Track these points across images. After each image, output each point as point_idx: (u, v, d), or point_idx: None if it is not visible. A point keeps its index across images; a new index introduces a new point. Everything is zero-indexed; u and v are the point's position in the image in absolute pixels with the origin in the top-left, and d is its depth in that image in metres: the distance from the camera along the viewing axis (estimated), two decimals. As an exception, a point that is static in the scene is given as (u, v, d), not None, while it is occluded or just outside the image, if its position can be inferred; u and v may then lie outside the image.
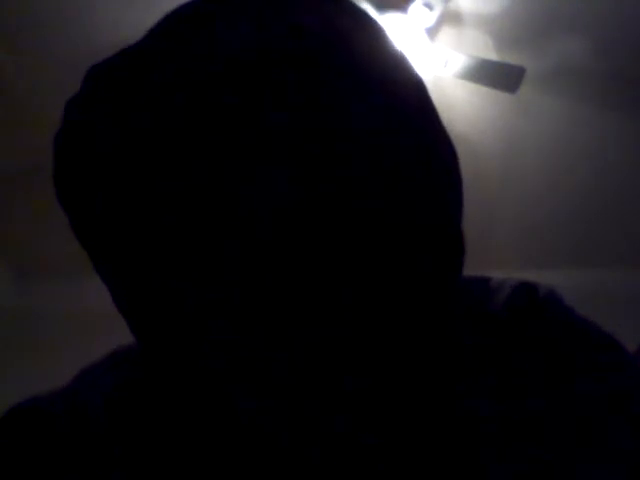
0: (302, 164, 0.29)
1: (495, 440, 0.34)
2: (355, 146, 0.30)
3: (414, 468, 0.33)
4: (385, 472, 0.33)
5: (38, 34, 1.73)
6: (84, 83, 0.34)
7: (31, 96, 1.85)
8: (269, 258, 0.29)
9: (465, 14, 1.75)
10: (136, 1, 1.63)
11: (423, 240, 0.32)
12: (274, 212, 0.29)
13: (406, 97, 0.33)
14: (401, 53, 0.35)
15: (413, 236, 0.32)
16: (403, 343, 0.32)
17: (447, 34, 1.76)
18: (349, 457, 0.32)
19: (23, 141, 1.99)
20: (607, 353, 0.39)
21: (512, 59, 1.76)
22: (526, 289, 0.40)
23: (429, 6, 1.63)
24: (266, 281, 0.29)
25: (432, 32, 1.72)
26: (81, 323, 2.20)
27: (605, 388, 0.37)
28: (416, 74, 0.35)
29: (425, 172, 0.32)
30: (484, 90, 1.73)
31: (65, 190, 0.34)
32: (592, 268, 2.35)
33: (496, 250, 2.29)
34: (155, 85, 0.31)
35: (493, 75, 1.66)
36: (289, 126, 0.29)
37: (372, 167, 0.30)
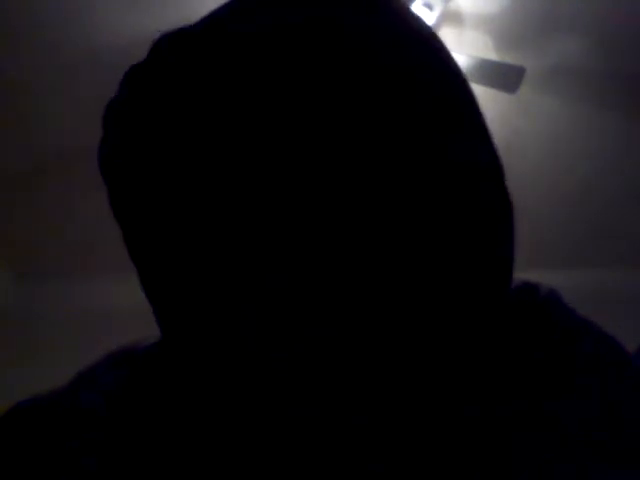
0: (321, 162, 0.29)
1: (493, 441, 0.34)
2: (371, 146, 0.30)
3: (412, 468, 0.33)
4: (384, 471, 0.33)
5: (38, 34, 1.73)
6: (123, 83, 0.34)
7: (31, 96, 1.85)
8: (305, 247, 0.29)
9: (465, 14, 1.75)
10: (136, 1, 1.63)
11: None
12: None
13: (429, 86, 0.33)
14: (429, 38, 0.35)
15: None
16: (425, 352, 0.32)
17: (447, 34, 1.76)
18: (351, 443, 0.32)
19: (23, 141, 1.99)
20: (607, 354, 0.39)
21: (512, 59, 1.76)
22: (527, 289, 0.40)
23: (429, 6, 1.63)
24: (305, 267, 0.29)
25: (432, 32, 1.72)
26: (81, 323, 2.20)
27: (606, 389, 0.36)
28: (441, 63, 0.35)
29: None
30: (484, 90, 1.73)
31: (109, 162, 0.33)
32: (592, 268, 2.35)
33: (496, 250, 2.29)
34: (209, 87, 0.31)
35: (493, 75, 1.66)
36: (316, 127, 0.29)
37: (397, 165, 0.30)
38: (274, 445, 0.33)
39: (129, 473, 0.35)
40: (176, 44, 0.33)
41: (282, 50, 0.30)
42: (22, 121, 1.93)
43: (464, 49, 1.74)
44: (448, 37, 1.77)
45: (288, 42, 0.30)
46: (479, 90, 1.78)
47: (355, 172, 0.29)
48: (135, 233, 0.33)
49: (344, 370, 0.30)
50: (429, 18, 1.64)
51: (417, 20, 0.36)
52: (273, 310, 0.30)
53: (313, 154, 0.29)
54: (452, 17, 1.74)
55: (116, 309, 1.99)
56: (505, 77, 1.66)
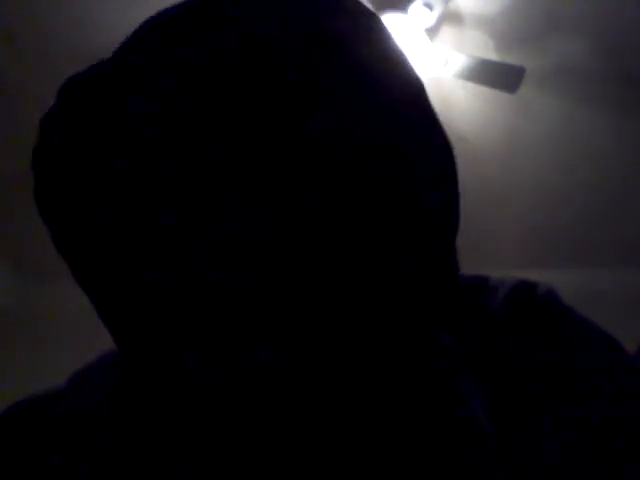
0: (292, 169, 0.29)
1: (493, 439, 0.34)
2: (344, 150, 0.30)
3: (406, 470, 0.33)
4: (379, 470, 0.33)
5: (38, 34, 1.73)
6: (59, 96, 0.34)
7: (31, 96, 1.84)
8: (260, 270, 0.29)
9: (465, 14, 1.75)
10: (136, 1, 1.63)
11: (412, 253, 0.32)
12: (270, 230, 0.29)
13: (403, 99, 0.33)
14: (399, 51, 0.35)
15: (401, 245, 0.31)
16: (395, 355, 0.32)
17: (447, 34, 1.76)
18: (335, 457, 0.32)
19: (23, 141, 1.98)
20: (606, 353, 0.39)
21: (512, 59, 1.76)
22: (525, 287, 0.40)
23: (429, 6, 1.62)
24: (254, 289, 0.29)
25: (432, 32, 1.72)
26: (81, 323, 2.19)
27: (605, 388, 0.36)
28: (414, 74, 0.35)
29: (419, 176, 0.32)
30: (484, 90, 1.73)
31: (46, 206, 0.33)
32: (592, 268, 2.35)
33: (496, 250, 2.29)
34: (141, 99, 0.30)
35: (493, 75, 1.66)
36: (282, 132, 0.29)
37: (364, 170, 0.30)
38: None
39: (130, 472, 0.35)
40: (82, 85, 0.33)
41: (206, 82, 0.30)
42: (22, 121, 1.93)
43: (464, 49, 1.74)
44: (448, 37, 1.77)
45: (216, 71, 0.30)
46: (479, 90, 1.78)
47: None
48: (82, 272, 0.34)
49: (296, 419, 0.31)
50: (429, 18, 1.64)
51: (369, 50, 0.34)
52: (223, 363, 0.30)
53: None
54: (452, 17, 1.74)
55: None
56: (505, 77, 1.66)
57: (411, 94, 0.34)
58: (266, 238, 0.28)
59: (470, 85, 1.75)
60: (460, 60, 1.66)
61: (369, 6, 0.36)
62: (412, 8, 1.63)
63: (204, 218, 0.29)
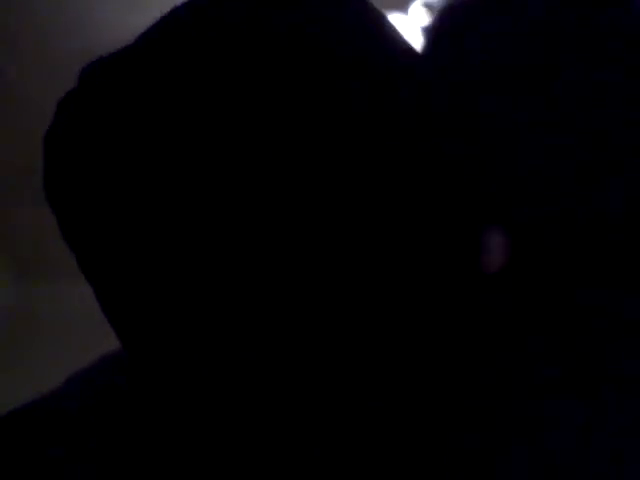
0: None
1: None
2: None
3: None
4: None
5: (38, 34, 1.73)
6: (80, 80, 0.33)
7: (31, 97, 1.84)
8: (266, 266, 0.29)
9: (465, 14, 1.74)
10: (136, 1, 1.63)
11: None
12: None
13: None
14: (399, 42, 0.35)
15: None
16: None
17: (447, 34, 1.76)
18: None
19: (23, 141, 1.99)
20: None
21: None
22: None
23: (429, 6, 1.62)
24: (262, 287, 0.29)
25: (432, 32, 1.72)
26: (81, 323, 2.19)
27: None
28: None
29: None
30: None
31: (55, 192, 0.33)
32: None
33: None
34: (159, 87, 0.30)
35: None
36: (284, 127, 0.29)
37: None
38: None
39: (120, 476, 0.34)
40: (105, 68, 0.33)
41: (225, 66, 0.30)
42: (22, 121, 1.93)
43: (464, 49, 1.74)
44: (448, 37, 1.77)
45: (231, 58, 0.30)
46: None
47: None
48: (88, 259, 0.33)
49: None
50: (429, 18, 1.64)
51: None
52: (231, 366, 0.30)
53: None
54: (452, 17, 1.74)
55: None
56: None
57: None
58: None
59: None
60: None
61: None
62: (412, 8, 1.63)
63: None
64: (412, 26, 1.64)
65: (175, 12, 0.33)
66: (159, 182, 0.29)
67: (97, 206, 0.31)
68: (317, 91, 0.29)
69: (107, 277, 0.32)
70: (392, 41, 0.34)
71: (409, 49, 0.35)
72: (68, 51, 1.72)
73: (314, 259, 0.29)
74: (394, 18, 1.64)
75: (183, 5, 0.33)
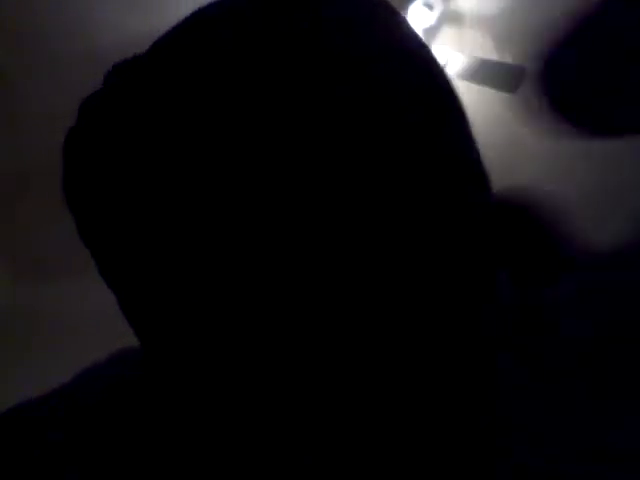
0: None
1: None
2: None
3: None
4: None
5: (38, 34, 1.73)
6: (105, 81, 0.33)
7: (31, 96, 1.84)
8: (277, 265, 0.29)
9: (465, 14, 1.74)
10: (137, 2, 1.63)
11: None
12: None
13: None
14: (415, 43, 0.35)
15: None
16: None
17: (447, 34, 1.76)
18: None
19: (23, 141, 1.98)
20: None
21: (512, 59, 1.76)
22: None
23: (429, 6, 1.63)
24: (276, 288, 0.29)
25: (432, 32, 1.72)
26: (81, 323, 2.19)
27: None
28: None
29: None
30: (484, 90, 1.73)
31: (76, 196, 0.33)
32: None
33: (496, 250, 2.28)
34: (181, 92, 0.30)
35: (493, 75, 1.66)
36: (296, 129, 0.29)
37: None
38: None
39: (120, 476, 0.35)
40: (127, 72, 0.32)
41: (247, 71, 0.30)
42: (22, 121, 1.93)
43: (464, 49, 1.74)
44: (448, 37, 1.77)
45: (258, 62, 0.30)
46: (479, 90, 1.78)
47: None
48: (107, 262, 0.33)
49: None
50: (429, 18, 1.64)
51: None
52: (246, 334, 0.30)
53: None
54: (452, 17, 1.74)
55: (116, 309, 1.98)
56: (505, 77, 1.66)
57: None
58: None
59: (470, 85, 1.74)
60: (460, 60, 1.66)
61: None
62: (412, 8, 1.63)
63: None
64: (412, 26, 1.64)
65: (200, 13, 0.33)
66: (181, 188, 0.29)
67: (117, 211, 0.31)
68: (332, 92, 0.29)
69: (126, 278, 0.32)
70: (407, 39, 0.34)
71: (423, 46, 0.35)
72: (68, 51, 1.72)
73: (314, 260, 0.29)
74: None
75: (207, 6, 0.33)
